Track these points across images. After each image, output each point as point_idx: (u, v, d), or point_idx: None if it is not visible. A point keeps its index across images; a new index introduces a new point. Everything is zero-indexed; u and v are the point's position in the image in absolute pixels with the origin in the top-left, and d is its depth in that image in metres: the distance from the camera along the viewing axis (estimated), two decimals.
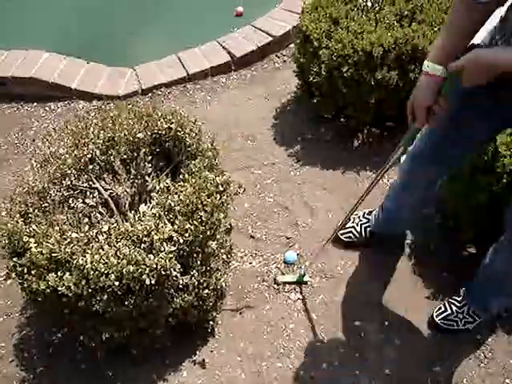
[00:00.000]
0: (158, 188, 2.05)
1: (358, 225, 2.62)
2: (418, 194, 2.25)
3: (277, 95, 3.51)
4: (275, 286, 2.48)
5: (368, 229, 2.61)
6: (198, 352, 2.27)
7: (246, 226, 2.73)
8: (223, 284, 2.11)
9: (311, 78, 2.98)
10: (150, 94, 3.54)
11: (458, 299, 2.29)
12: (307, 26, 2.99)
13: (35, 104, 3.62)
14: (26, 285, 1.94)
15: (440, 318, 2.29)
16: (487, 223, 2.24)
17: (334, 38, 2.87)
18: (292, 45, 3.72)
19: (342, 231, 2.62)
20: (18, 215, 2.04)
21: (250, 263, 2.57)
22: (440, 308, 2.31)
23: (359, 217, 2.65)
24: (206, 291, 2.03)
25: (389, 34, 2.80)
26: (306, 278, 2.48)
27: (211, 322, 2.31)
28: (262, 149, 3.15)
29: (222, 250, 2.13)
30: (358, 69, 2.82)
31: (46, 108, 3.58)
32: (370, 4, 3.08)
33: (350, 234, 2.62)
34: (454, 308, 2.28)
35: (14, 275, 1.98)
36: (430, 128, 1.86)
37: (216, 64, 3.63)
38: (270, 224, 2.74)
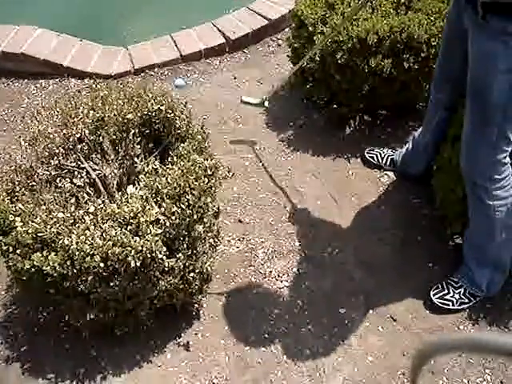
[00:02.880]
0: (146, 170, 2.03)
1: (383, 152, 2.95)
2: (436, 122, 2.55)
3: (270, 79, 3.48)
4: (261, 270, 2.49)
5: (391, 157, 2.92)
6: (182, 334, 2.28)
7: (234, 210, 2.72)
8: (209, 268, 2.11)
9: (305, 63, 2.96)
10: (142, 74, 3.51)
11: (455, 279, 2.37)
12: (303, 11, 2.96)
13: (26, 80, 3.57)
14: (10, 263, 1.94)
15: (436, 296, 2.35)
16: None
17: (329, 23, 2.85)
18: (287, 29, 3.69)
19: (368, 149, 2.97)
20: (4, 193, 2.03)
21: (238, 247, 2.56)
22: (438, 287, 2.37)
23: (388, 149, 2.97)
24: (192, 274, 2.03)
25: (384, 21, 2.78)
26: (266, 104, 2.96)
27: (196, 305, 2.32)
28: (254, 133, 3.13)
29: (209, 234, 2.12)
30: (352, 56, 2.80)
31: (37, 85, 3.54)
32: None
33: (374, 156, 2.94)
34: (451, 288, 2.35)
35: None
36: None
37: (210, 46, 3.59)
38: (259, 209, 2.74)
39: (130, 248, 1.77)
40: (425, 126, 2.69)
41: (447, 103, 2.46)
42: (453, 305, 2.33)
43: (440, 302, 2.34)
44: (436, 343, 0.81)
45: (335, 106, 3.09)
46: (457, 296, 2.33)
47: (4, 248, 1.94)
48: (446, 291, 2.35)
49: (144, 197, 1.87)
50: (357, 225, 2.68)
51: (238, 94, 3.28)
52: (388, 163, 2.92)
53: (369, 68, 2.80)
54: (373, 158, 2.94)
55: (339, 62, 2.81)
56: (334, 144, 3.05)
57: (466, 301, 2.34)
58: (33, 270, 1.86)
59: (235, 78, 3.49)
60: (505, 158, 2.03)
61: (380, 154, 2.94)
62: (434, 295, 2.35)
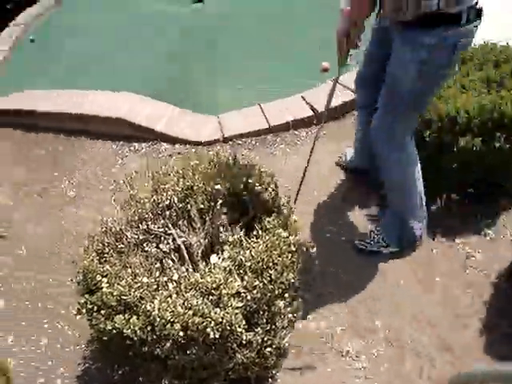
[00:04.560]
0: (230, 240, 2.07)
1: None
2: (365, 117, 2.85)
3: None
4: (338, 348, 2.42)
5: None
6: None
7: (315, 283, 2.68)
8: (287, 344, 2.09)
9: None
10: (230, 143, 3.60)
11: (378, 229, 2.85)
12: None
13: (121, 143, 3.76)
14: (94, 323, 1.99)
15: (358, 240, 2.85)
16: None
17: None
18: None
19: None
20: (94, 253, 2.11)
21: (315, 323, 2.52)
22: (362, 234, 2.89)
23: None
24: (269, 349, 2.01)
25: (475, 99, 2.75)
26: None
27: (270, 380, 2.28)
28: (336, 207, 3.11)
29: (289, 309, 2.11)
30: (441, 133, 2.77)
31: (131, 147, 3.71)
32: (456, 68, 3.05)
33: (342, 156, 3.39)
34: (372, 234, 2.84)
35: (84, 311, 2.04)
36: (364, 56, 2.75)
37: (298, 118, 3.66)
38: (341, 284, 2.69)
39: (210, 319, 1.78)
40: (358, 126, 3.10)
41: (365, 103, 2.82)
42: (371, 246, 2.81)
43: (360, 244, 2.82)
44: (465, 376, 0.77)
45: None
46: (376, 239, 2.80)
47: (89, 306, 2.01)
48: (368, 236, 2.84)
49: (227, 268, 1.89)
50: (440, 307, 2.58)
51: (323, 167, 3.30)
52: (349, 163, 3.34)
53: (458, 147, 2.75)
54: (341, 157, 3.39)
55: (427, 139, 2.78)
56: None
57: (384, 245, 2.80)
58: (114, 331, 1.91)
59: (321, 151, 3.50)
60: (403, 137, 2.56)
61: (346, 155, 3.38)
62: (356, 240, 2.85)
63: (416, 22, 2.16)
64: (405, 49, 2.28)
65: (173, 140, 3.66)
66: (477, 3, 2.14)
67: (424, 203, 2.77)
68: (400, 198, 2.74)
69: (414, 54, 2.23)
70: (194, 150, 3.54)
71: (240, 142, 3.60)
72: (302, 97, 3.79)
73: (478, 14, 2.15)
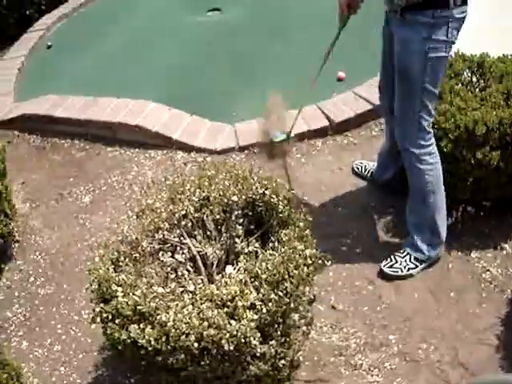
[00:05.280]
0: (246, 250, 2.07)
1: (368, 165, 3.34)
2: (390, 128, 2.90)
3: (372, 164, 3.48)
4: (352, 362, 2.41)
5: (371, 170, 3.31)
6: None
7: (328, 295, 2.68)
8: (301, 357, 2.08)
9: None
10: (246, 152, 3.61)
11: (401, 250, 2.79)
12: None
13: (137, 150, 3.77)
14: (108, 332, 2.00)
15: (386, 266, 2.75)
16: None
17: (436, 109, 2.82)
18: None
19: (357, 161, 3.40)
20: (109, 262, 2.12)
21: (329, 335, 2.51)
22: (386, 259, 2.77)
23: (372, 163, 3.32)
24: (283, 362, 2.00)
25: (494, 112, 2.73)
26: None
27: None
28: (352, 218, 3.11)
29: (303, 321, 2.10)
30: (458, 145, 2.75)
31: (147, 155, 3.73)
32: (474, 79, 3.04)
33: (359, 167, 3.37)
34: (398, 257, 2.76)
35: (98, 320, 2.04)
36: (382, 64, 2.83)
37: (313, 128, 3.66)
38: (354, 296, 2.69)
39: (225, 331, 1.78)
40: (385, 135, 3.12)
41: (390, 107, 2.79)
42: (401, 271, 2.73)
43: (390, 271, 2.73)
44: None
45: None
46: (404, 263, 2.73)
47: (104, 315, 2.01)
48: (394, 261, 2.75)
49: (243, 280, 1.89)
50: (454, 322, 2.56)
51: (339, 178, 3.30)
52: (369, 175, 3.32)
53: (475, 159, 2.73)
54: (358, 168, 3.37)
55: (444, 150, 2.76)
56: None
57: (413, 266, 2.73)
58: (128, 341, 1.91)
59: (336, 162, 3.51)
60: (428, 126, 2.57)
61: (365, 166, 3.36)
62: (384, 266, 2.75)
63: (411, 6, 2.35)
64: (405, 29, 2.42)
65: (189, 148, 3.67)
66: None
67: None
68: (430, 199, 2.68)
69: (415, 32, 2.38)
70: (209, 159, 3.55)
71: (255, 151, 3.59)
72: (318, 107, 3.78)
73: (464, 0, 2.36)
